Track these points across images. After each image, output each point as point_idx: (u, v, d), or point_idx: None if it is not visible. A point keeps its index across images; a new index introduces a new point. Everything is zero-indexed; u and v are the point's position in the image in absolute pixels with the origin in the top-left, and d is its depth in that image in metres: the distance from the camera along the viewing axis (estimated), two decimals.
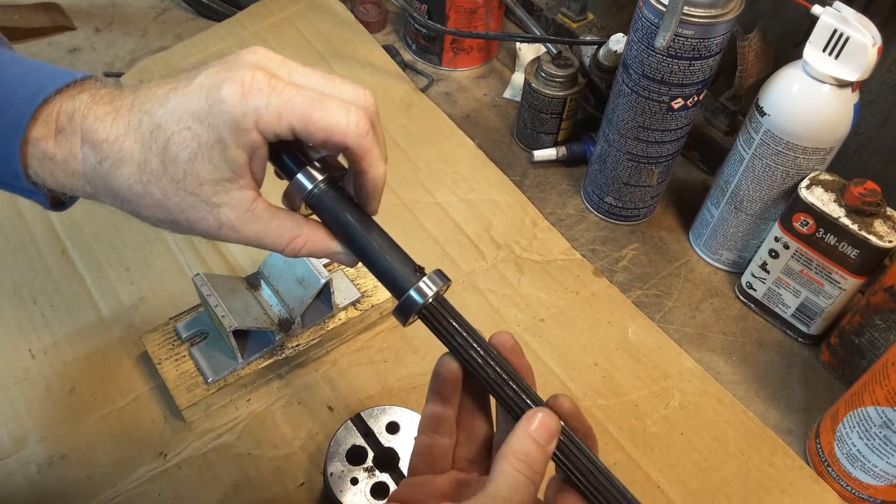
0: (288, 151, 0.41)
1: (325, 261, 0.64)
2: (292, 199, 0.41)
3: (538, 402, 0.39)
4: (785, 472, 0.59)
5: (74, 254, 0.68)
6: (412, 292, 0.39)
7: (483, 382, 0.39)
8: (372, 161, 0.40)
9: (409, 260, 0.41)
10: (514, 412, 0.39)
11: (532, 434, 0.37)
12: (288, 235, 0.40)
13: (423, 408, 0.42)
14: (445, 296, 0.41)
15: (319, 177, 0.40)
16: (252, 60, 0.38)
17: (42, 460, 0.56)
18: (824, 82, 0.58)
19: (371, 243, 0.41)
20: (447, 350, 0.40)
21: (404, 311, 0.40)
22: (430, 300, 0.39)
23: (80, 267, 0.67)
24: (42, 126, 0.38)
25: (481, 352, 0.39)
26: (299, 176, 0.40)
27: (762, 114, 0.61)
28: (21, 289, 0.65)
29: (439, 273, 0.41)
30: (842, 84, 0.58)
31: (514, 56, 0.93)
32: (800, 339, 0.68)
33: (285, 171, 0.41)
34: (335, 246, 0.42)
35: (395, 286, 0.40)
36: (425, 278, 0.40)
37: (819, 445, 0.59)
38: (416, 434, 0.53)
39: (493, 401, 0.41)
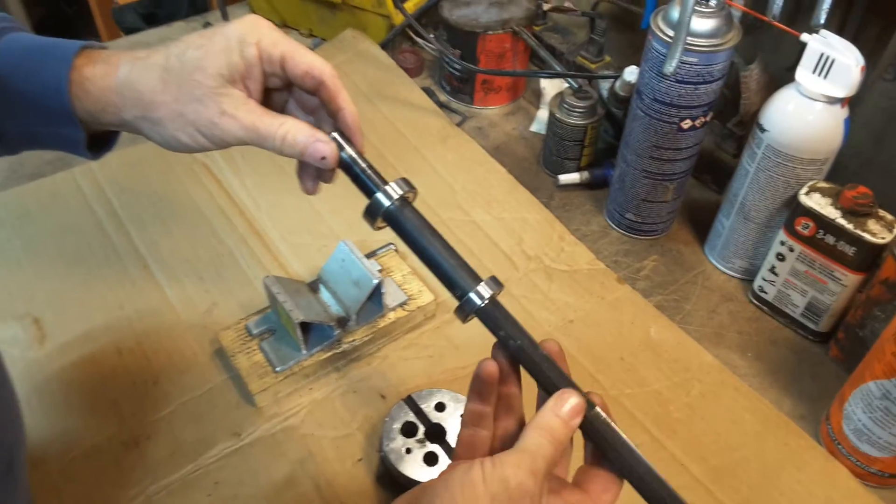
0: (366, 174, 0.51)
1: (379, 266, 0.72)
2: (372, 214, 0.49)
3: (573, 385, 0.45)
4: (799, 451, 0.64)
5: (154, 267, 0.77)
6: (471, 295, 0.47)
7: (527, 367, 0.46)
8: (345, 98, 0.52)
9: (469, 268, 0.48)
10: (551, 392, 0.45)
11: (554, 410, 0.43)
12: (277, 122, 0.51)
13: (465, 405, 0.49)
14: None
15: (395, 196, 0.49)
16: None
17: (130, 441, 0.64)
18: (816, 100, 0.66)
19: (438, 253, 0.48)
20: (498, 342, 0.47)
21: (465, 311, 0.47)
22: (487, 302, 0.46)
23: (159, 278, 0.76)
24: (84, 59, 0.51)
25: (528, 345, 0.46)
26: (378, 195, 0.49)
27: (762, 130, 0.69)
28: (109, 296, 0.74)
29: (494, 279, 0.48)
30: (831, 101, 0.66)
31: (538, 96, 1.02)
32: (810, 338, 0.74)
33: (366, 191, 0.50)
34: (319, 134, 0.51)
35: (457, 289, 0.47)
36: (483, 283, 0.47)
37: (829, 426, 0.64)
38: (460, 421, 0.60)
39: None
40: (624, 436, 0.45)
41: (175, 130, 0.52)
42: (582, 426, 0.44)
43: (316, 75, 0.52)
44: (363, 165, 0.51)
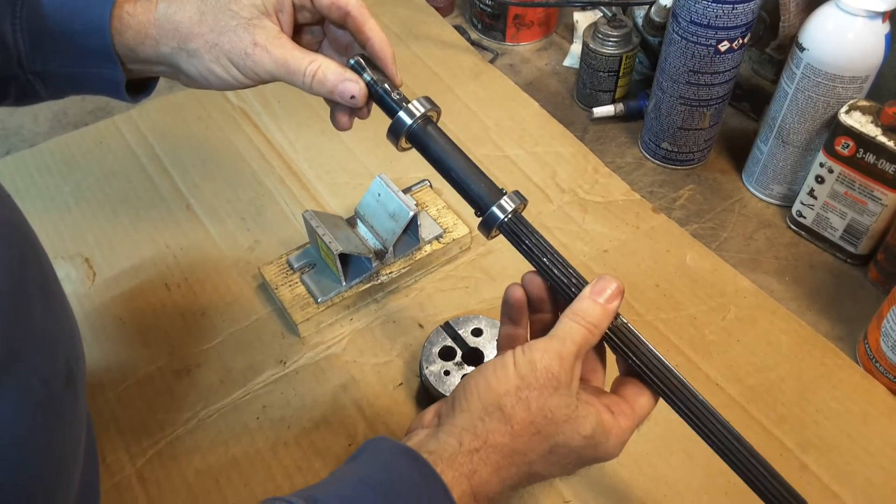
0: (389, 95, 0.51)
1: (414, 200, 0.73)
2: (395, 134, 0.50)
3: None
4: (835, 370, 0.65)
5: (197, 208, 0.79)
6: (494, 209, 0.47)
7: (551, 278, 0.47)
8: (373, 27, 0.52)
9: (492, 183, 0.48)
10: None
11: (591, 296, 0.44)
12: (308, 58, 0.51)
13: (499, 329, 0.50)
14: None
15: (417, 114, 0.49)
16: None
17: (181, 369, 0.67)
18: (856, 15, 0.64)
19: (461, 168, 0.49)
20: (526, 261, 0.47)
21: (488, 225, 0.48)
22: (510, 216, 0.47)
23: (202, 218, 0.78)
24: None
25: (551, 255, 0.46)
26: (400, 113, 0.50)
27: (801, 49, 0.68)
28: (155, 236, 0.77)
29: (517, 193, 0.48)
30: (872, 15, 0.64)
31: (571, 30, 1.01)
32: (849, 261, 0.73)
33: (389, 111, 0.51)
34: (349, 73, 0.51)
35: (480, 204, 0.48)
36: (505, 197, 0.47)
37: (867, 345, 0.64)
38: (496, 339, 0.62)
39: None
40: (650, 345, 0.45)
41: (210, 62, 0.53)
42: (612, 335, 0.45)
43: (342, 5, 0.52)
44: (386, 86, 0.51)
